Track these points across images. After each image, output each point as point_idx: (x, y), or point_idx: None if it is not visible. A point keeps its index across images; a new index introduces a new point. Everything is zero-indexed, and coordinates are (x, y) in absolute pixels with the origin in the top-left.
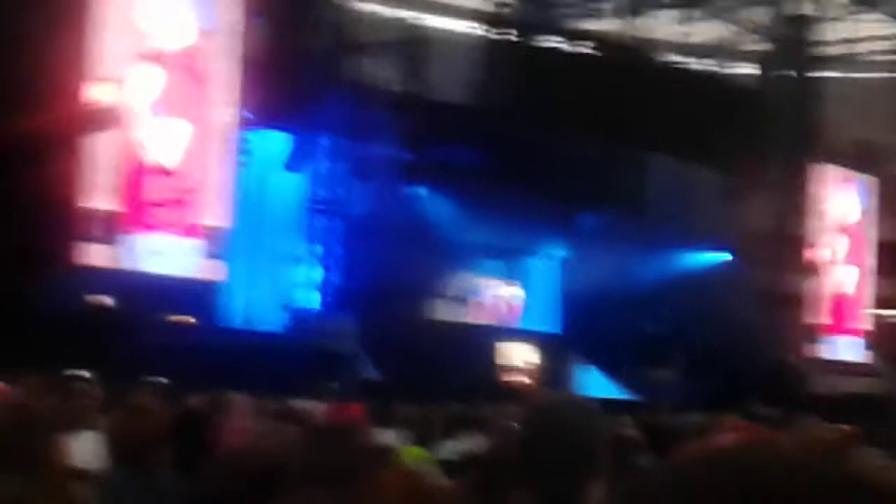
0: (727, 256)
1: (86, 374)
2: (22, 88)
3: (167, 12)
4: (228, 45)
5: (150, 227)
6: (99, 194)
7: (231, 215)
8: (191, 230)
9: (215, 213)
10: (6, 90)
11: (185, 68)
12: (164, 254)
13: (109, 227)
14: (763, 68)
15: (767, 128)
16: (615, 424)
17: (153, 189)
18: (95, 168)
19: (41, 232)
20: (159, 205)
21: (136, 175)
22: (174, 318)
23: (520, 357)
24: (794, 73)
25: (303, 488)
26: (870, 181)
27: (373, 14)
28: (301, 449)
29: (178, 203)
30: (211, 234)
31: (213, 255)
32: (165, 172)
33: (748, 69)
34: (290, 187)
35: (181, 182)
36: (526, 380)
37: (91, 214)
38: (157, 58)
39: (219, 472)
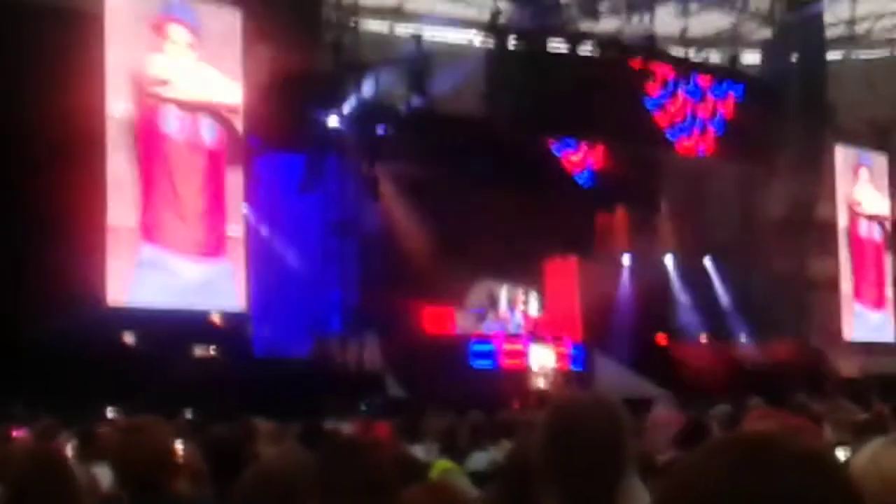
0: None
1: (112, 411)
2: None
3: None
4: (233, 74)
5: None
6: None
7: (248, 243)
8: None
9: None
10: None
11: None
12: (187, 277)
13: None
14: (766, 55)
15: (778, 114)
16: (641, 421)
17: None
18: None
19: (66, 262)
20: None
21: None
22: (199, 350)
23: (541, 362)
24: (797, 58)
25: None
26: (881, 159)
27: (374, 32)
28: (320, 467)
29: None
30: (231, 262)
31: (234, 283)
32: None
33: (751, 57)
34: (304, 210)
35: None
36: (548, 384)
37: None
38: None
39: (241, 495)
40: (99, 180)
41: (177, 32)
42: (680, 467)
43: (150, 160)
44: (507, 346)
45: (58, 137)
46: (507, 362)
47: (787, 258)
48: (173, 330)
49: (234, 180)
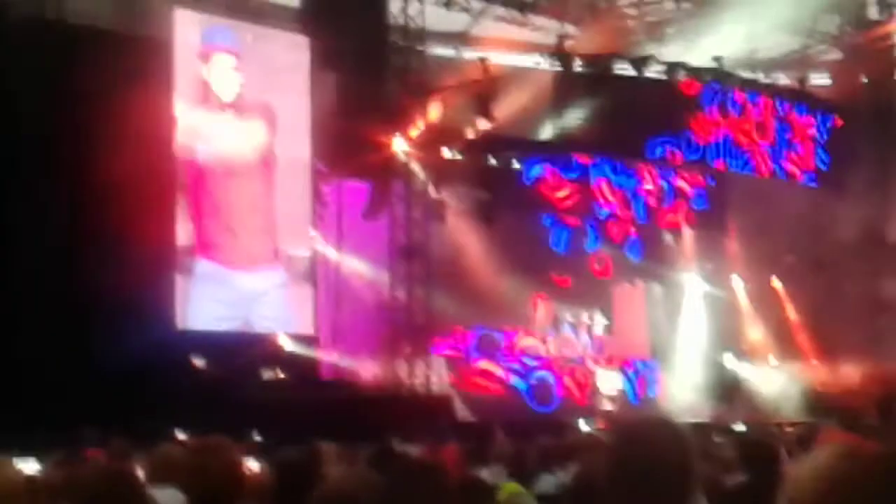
0: None
1: (182, 433)
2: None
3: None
4: (300, 101)
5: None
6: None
7: (315, 267)
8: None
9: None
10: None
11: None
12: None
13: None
14: (835, 76)
15: (848, 135)
16: (708, 445)
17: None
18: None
19: (136, 285)
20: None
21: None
22: (268, 374)
23: (608, 384)
24: (867, 79)
25: None
26: None
27: (440, 57)
28: (388, 488)
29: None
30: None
31: (302, 309)
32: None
33: (820, 79)
34: (371, 234)
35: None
36: (615, 406)
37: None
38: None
39: None
40: (169, 203)
41: (225, 60)
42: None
43: (198, 182)
44: (567, 377)
45: (127, 160)
46: (566, 388)
47: (858, 280)
48: (242, 353)
49: (301, 204)
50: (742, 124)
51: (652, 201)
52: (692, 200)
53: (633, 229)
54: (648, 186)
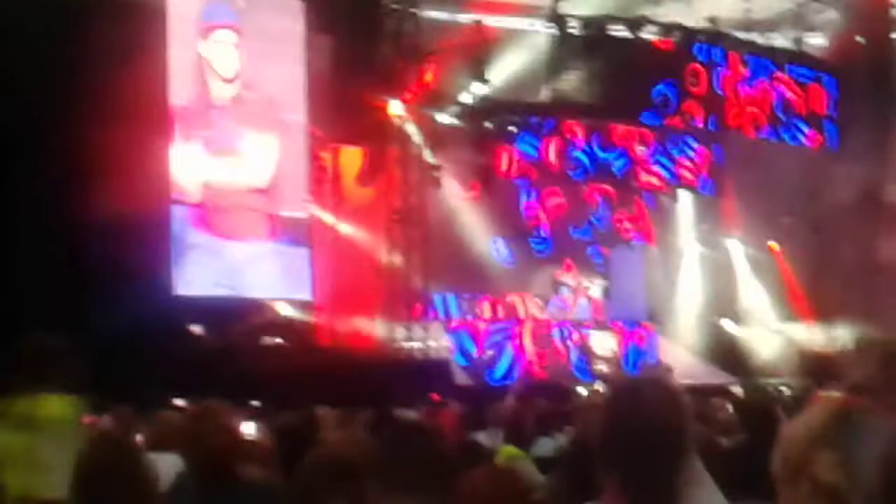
0: None
1: (180, 400)
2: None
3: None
4: (295, 66)
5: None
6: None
7: (312, 233)
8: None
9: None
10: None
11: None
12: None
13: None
14: (831, 36)
15: (845, 96)
16: (707, 406)
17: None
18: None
19: (134, 251)
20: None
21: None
22: (267, 340)
23: (602, 346)
24: (863, 39)
25: (382, 489)
26: None
27: (434, 20)
28: (384, 449)
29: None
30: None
31: (299, 274)
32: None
33: (816, 39)
34: (368, 199)
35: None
36: (610, 368)
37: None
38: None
39: (304, 476)
40: (163, 171)
41: (226, 37)
42: None
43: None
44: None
45: (123, 128)
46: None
47: (856, 241)
48: (239, 320)
49: (298, 169)
50: (740, 101)
51: (650, 174)
52: (698, 187)
53: (638, 228)
54: (640, 148)
